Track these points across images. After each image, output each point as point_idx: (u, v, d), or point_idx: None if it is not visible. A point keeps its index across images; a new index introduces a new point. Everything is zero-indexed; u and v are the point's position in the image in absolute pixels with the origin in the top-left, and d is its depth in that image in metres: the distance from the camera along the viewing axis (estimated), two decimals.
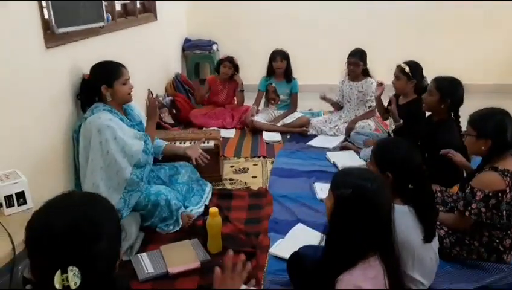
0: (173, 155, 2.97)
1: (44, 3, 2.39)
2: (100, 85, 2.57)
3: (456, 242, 2.28)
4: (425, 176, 1.95)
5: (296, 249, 2.17)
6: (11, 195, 1.71)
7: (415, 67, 3.40)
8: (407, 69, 3.38)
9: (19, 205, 1.73)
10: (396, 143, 2.02)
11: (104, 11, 3.09)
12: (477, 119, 2.21)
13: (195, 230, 2.61)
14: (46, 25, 2.41)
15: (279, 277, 2.23)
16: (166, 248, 2.42)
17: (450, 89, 2.82)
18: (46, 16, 2.42)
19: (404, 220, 1.78)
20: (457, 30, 5.89)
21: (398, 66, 3.45)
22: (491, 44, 5.93)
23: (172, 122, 4.43)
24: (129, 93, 2.67)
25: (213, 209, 2.36)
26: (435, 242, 1.94)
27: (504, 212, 2.11)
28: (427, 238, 1.85)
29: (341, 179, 1.62)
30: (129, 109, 2.81)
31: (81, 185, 2.56)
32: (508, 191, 2.08)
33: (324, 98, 4.40)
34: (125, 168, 2.49)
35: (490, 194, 2.08)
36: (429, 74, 3.38)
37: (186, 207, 2.79)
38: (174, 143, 3.21)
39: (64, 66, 2.63)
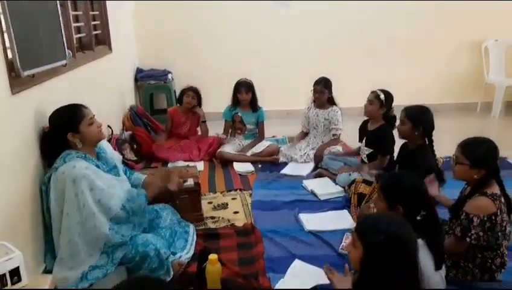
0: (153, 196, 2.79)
1: (7, 43, 2.16)
2: (65, 134, 2.34)
3: (452, 266, 2.33)
4: (433, 204, 1.98)
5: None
6: (4, 274, 1.44)
7: (388, 97, 3.53)
8: (382, 96, 3.48)
9: (13, 283, 1.47)
10: (402, 176, 2.08)
11: (66, 48, 2.89)
12: (470, 148, 2.28)
13: (187, 278, 2.43)
14: (10, 67, 2.17)
15: None
16: None
17: (420, 117, 2.94)
18: (9, 56, 2.18)
19: (420, 250, 1.75)
20: (408, 56, 6.16)
21: (374, 92, 3.54)
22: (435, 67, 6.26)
23: (135, 158, 4.20)
24: (99, 132, 2.47)
25: (213, 256, 2.21)
26: (443, 269, 2.03)
27: (499, 233, 2.19)
28: (438, 266, 1.94)
29: (369, 227, 1.58)
30: (101, 152, 2.59)
31: (54, 242, 2.31)
32: (499, 213, 2.17)
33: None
34: (103, 222, 2.27)
35: (485, 218, 2.15)
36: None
37: (173, 253, 2.59)
38: None
39: (31, 113, 2.38)
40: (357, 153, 3.99)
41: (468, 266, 2.30)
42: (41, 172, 2.43)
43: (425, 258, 1.84)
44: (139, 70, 5.67)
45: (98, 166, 2.41)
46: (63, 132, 2.35)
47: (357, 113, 3.79)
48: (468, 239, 2.18)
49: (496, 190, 2.22)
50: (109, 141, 3.96)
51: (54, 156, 2.37)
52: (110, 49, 4.39)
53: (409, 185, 1.97)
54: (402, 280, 1.49)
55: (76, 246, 2.24)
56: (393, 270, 1.48)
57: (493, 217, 2.15)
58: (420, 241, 1.84)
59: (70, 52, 3.08)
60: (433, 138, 3.03)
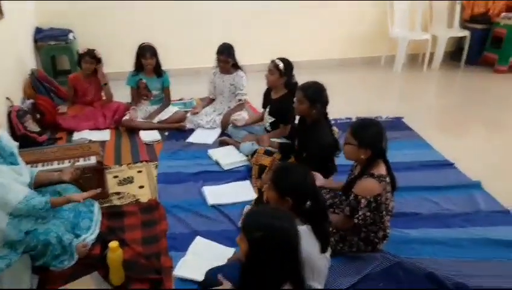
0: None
1: None
2: None
3: (339, 240, 2.57)
4: (319, 194, 2.15)
5: (201, 268, 2.26)
6: None
7: (288, 65, 3.60)
8: (281, 65, 3.55)
9: None
10: (292, 169, 2.17)
11: None
12: (358, 130, 2.45)
13: (92, 261, 2.52)
14: None
15: None
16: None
17: (316, 95, 3.03)
18: None
19: (305, 238, 1.92)
20: (315, 12, 6.26)
21: (273, 62, 3.60)
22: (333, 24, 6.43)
23: (38, 129, 4.08)
24: None
25: (113, 244, 2.30)
26: (329, 250, 2.16)
27: (384, 212, 2.43)
28: (324, 249, 2.07)
29: (251, 222, 1.71)
30: None
31: None
32: (383, 193, 2.39)
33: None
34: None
35: (371, 199, 2.36)
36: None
37: (77, 236, 2.65)
38: (51, 164, 3.01)
39: None
40: (261, 119, 4.13)
41: (353, 240, 2.55)
42: None
43: (310, 244, 1.98)
44: (38, 31, 5.34)
45: None
46: None
47: (261, 69, 3.86)
48: (356, 220, 2.41)
49: (382, 170, 2.42)
50: (9, 114, 3.84)
51: None
52: (1, 13, 4.11)
53: (298, 178, 2.07)
54: (283, 270, 1.65)
55: None
56: (275, 262, 1.63)
57: (379, 198, 2.37)
58: (305, 228, 2.01)
59: None
60: (329, 110, 3.15)
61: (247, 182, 3.38)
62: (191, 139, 4.15)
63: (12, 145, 2.63)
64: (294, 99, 3.13)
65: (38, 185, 2.72)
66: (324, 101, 3.06)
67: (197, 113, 4.44)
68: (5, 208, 2.29)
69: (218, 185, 3.34)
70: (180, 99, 5.04)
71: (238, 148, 3.83)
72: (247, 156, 3.67)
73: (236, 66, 4.33)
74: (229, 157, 3.72)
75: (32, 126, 4.04)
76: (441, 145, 4.06)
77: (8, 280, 2.26)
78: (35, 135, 3.95)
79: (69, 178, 2.78)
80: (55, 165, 3.02)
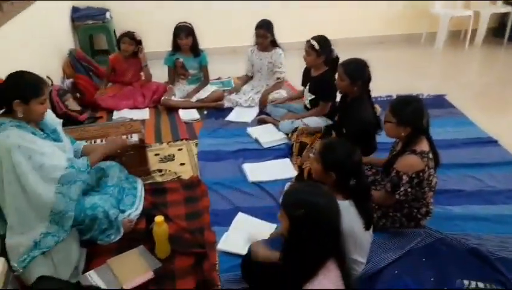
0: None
1: None
2: (13, 98, 2.24)
3: (382, 215, 2.55)
4: (363, 173, 2.13)
5: (245, 243, 2.27)
6: None
7: (324, 43, 3.51)
8: (316, 46, 3.48)
9: None
10: (340, 145, 2.14)
11: None
12: (397, 107, 2.42)
13: (137, 235, 2.58)
14: None
15: (235, 275, 2.29)
16: (114, 262, 2.36)
17: (358, 72, 2.98)
18: None
19: (347, 213, 1.92)
20: None
21: (308, 42, 3.53)
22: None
23: (78, 108, 4.14)
24: (43, 113, 2.38)
25: (159, 219, 2.33)
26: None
27: (426, 188, 2.41)
28: (367, 226, 2.07)
29: (292, 199, 1.70)
30: None
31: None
32: (426, 169, 2.35)
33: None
34: (47, 189, 2.25)
35: (413, 175, 2.33)
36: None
37: (122, 211, 2.70)
38: (95, 142, 3.06)
39: None
40: (300, 96, 4.06)
41: (396, 216, 2.53)
42: None
43: (352, 219, 1.98)
44: (74, 10, 5.38)
45: (34, 133, 2.35)
46: (12, 95, 2.24)
47: (300, 47, 3.75)
48: (397, 196, 2.39)
49: (424, 146, 2.39)
50: (50, 93, 3.90)
51: None
52: None
53: (342, 155, 2.04)
54: (325, 246, 1.64)
55: (23, 213, 2.24)
56: (317, 238, 1.62)
57: (421, 174, 2.34)
58: (348, 203, 2.00)
59: None
60: (372, 83, 3.07)
61: (287, 159, 3.37)
62: (230, 117, 4.15)
63: (56, 122, 2.63)
64: (336, 76, 3.08)
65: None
66: (366, 78, 3.00)
67: (235, 92, 4.45)
68: (54, 174, 2.29)
69: (259, 163, 3.33)
70: (217, 78, 5.03)
71: (277, 126, 3.81)
72: (287, 134, 3.65)
73: (274, 44, 4.27)
74: (268, 135, 3.70)
75: (73, 105, 4.10)
76: (484, 122, 3.95)
77: (57, 253, 2.30)
78: (76, 113, 4.02)
79: (116, 143, 2.82)
80: (97, 142, 3.08)
